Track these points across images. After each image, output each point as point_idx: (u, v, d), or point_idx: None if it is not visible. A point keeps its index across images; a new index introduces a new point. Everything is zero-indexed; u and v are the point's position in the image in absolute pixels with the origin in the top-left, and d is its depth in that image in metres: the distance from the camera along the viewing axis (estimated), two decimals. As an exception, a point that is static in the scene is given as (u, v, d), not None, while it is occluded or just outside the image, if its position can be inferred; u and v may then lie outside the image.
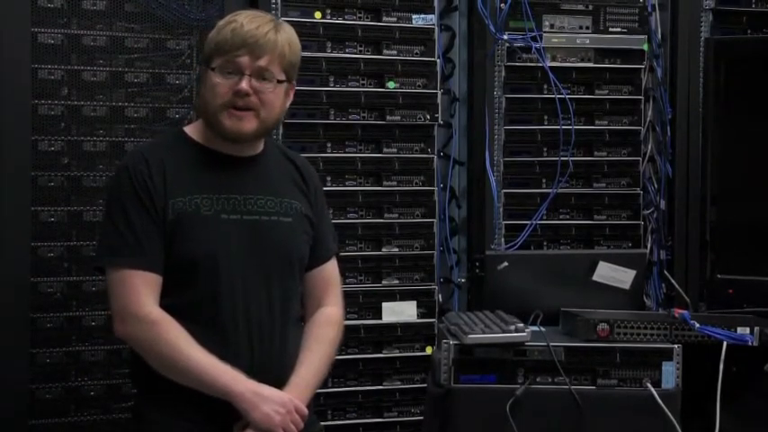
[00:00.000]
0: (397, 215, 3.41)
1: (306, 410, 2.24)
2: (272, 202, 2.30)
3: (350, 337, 3.31)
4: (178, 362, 2.16)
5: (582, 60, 3.62)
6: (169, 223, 2.20)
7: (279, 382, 2.24)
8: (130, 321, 2.18)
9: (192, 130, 2.33)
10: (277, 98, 2.26)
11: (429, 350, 3.37)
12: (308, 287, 2.40)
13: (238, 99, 2.20)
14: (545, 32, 3.55)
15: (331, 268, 2.45)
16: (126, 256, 2.18)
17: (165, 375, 2.18)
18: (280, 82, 2.25)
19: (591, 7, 3.62)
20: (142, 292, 2.18)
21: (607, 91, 3.64)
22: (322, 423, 3.16)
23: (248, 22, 2.22)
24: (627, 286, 3.14)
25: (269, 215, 2.29)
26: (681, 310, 2.95)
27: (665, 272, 3.65)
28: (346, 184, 3.36)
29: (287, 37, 2.27)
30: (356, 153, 3.37)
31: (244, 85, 2.20)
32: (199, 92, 2.30)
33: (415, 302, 3.41)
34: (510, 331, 2.75)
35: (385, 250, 3.40)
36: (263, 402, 2.17)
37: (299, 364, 2.30)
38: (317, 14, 3.30)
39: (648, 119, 3.69)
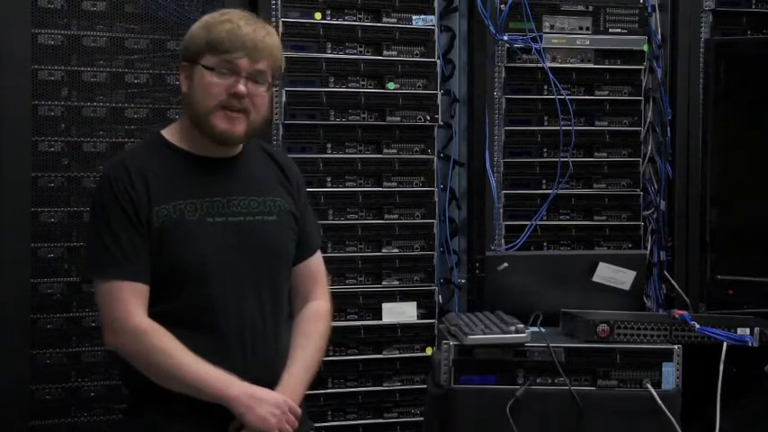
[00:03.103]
0: (397, 216, 3.41)
1: (299, 410, 2.25)
2: (255, 201, 2.30)
3: (350, 338, 3.31)
4: (171, 370, 2.16)
5: (582, 61, 3.62)
6: (154, 231, 2.19)
7: (272, 381, 2.25)
8: (121, 333, 2.18)
9: (169, 133, 2.32)
10: (266, 101, 2.28)
11: (429, 351, 3.37)
12: (294, 282, 2.40)
13: (234, 100, 2.21)
14: (545, 33, 3.55)
15: (316, 262, 2.46)
16: (113, 268, 2.18)
17: (159, 384, 2.18)
18: (270, 86, 2.27)
19: (591, 8, 3.61)
20: (131, 303, 2.17)
21: (607, 92, 3.64)
22: (323, 424, 3.19)
23: (245, 24, 2.22)
24: (627, 287, 3.15)
25: (254, 215, 2.29)
26: (681, 311, 2.95)
27: (666, 273, 3.64)
28: (346, 185, 3.36)
29: (276, 41, 2.29)
30: (356, 154, 3.37)
31: (241, 87, 2.20)
32: (183, 89, 2.27)
33: (415, 303, 3.41)
34: (510, 332, 2.76)
35: (385, 251, 3.40)
36: (259, 405, 2.17)
37: (290, 361, 2.30)
38: (317, 15, 3.30)
39: (648, 120, 3.69)
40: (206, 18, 2.27)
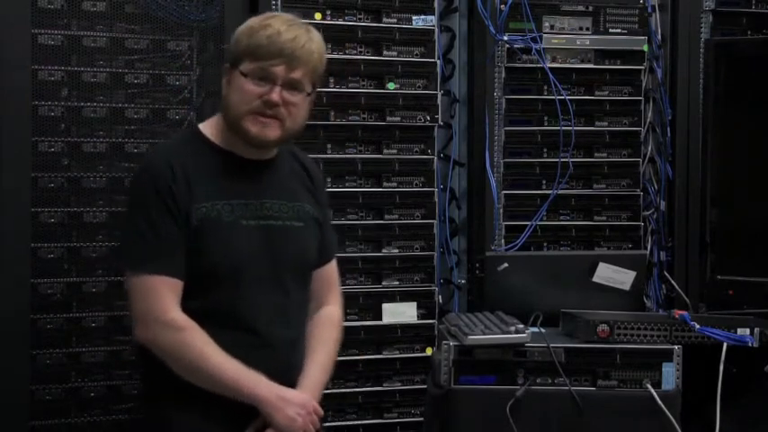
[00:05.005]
0: (397, 216, 3.41)
1: (322, 411, 2.27)
2: (285, 206, 2.31)
3: (350, 339, 3.30)
4: (202, 367, 2.16)
5: (582, 61, 3.62)
6: (192, 229, 2.20)
7: (290, 385, 2.26)
8: (154, 326, 2.18)
9: (208, 130, 2.31)
10: (303, 109, 2.27)
11: (429, 351, 3.37)
12: (311, 287, 2.41)
13: (267, 108, 2.21)
14: (545, 33, 3.55)
15: (332, 268, 2.47)
16: (152, 262, 2.18)
17: (188, 380, 2.18)
18: (308, 94, 2.27)
19: (591, 8, 3.61)
20: (166, 297, 2.18)
21: (607, 92, 3.64)
22: (323, 424, 3.18)
23: (285, 30, 2.21)
24: (627, 287, 3.15)
25: (282, 220, 2.30)
26: (681, 312, 2.95)
27: (666, 273, 3.64)
28: (346, 185, 3.36)
29: (318, 47, 2.28)
30: (356, 154, 3.37)
31: (275, 96, 2.20)
32: (223, 91, 2.27)
33: (415, 304, 3.41)
34: (510, 332, 2.76)
35: (385, 251, 3.40)
36: (288, 406, 2.19)
37: (307, 364, 2.32)
38: (317, 15, 3.30)
39: (648, 120, 3.69)
40: (251, 21, 2.26)
